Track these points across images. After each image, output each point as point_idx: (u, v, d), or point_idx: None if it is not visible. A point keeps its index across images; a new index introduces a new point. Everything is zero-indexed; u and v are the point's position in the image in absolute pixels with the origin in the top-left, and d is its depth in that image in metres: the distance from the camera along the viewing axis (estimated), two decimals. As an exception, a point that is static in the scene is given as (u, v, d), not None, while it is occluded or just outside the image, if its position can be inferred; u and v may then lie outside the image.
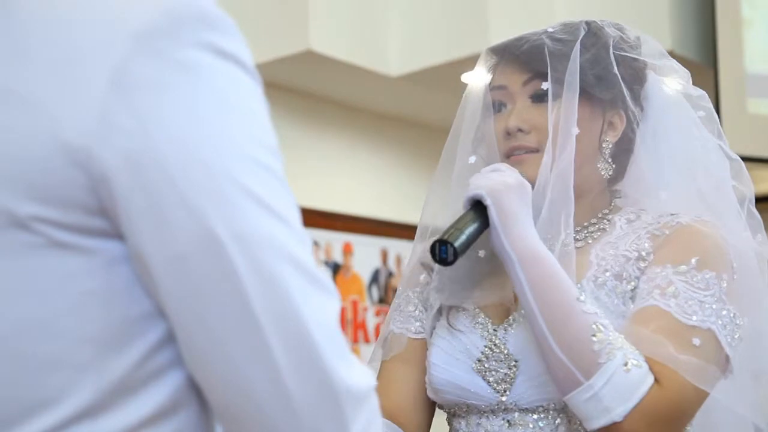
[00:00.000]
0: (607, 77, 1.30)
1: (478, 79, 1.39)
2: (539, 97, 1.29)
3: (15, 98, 0.68)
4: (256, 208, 0.68)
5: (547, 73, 1.27)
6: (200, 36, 0.69)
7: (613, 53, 1.30)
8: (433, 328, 1.37)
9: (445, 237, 1.19)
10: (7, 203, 0.67)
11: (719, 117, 4.08)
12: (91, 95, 0.66)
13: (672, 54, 3.84)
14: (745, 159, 4.42)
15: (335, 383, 0.70)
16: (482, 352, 1.29)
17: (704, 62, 3.82)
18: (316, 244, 4.15)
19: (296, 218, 0.71)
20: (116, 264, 0.69)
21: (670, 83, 1.37)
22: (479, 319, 1.32)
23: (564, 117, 1.27)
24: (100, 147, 0.66)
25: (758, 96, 3.85)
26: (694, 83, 1.39)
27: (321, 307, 0.70)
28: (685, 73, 1.40)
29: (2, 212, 0.67)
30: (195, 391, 0.72)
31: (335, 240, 4.27)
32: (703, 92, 1.39)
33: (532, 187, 1.25)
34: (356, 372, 0.72)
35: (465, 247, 1.20)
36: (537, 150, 1.28)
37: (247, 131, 0.70)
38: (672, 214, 1.28)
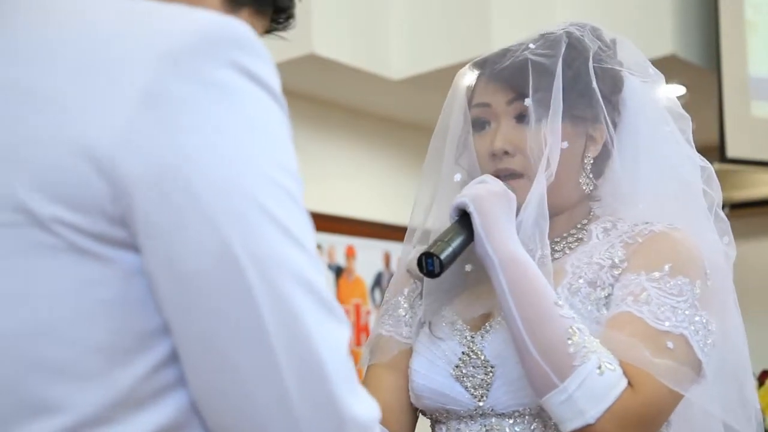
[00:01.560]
0: (587, 93, 1.31)
1: (459, 91, 1.40)
2: (524, 118, 1.30)
3: (39, 99, 0.68)
4: (275, 230, 0.68)
5: (530, 94, 1.28)
6: (232, 57, 0.70)
7: (593, 66, 1.31)
8: (417, 335, 1.39)
9: (431, 250, 1.22)
10: (29, 202, 0.67)
11: (722, 120, 4.09)
12: (121, 108, 0.67)
13: (675, 57, 3.85)
14: (748, 162, 4.38)
15: (342, 411, 0.70)
16: (460, 359, 1.31)
17: (707, 65, 3.81)
18: (318, 247, 4.15)
19: (312, 244, 0.72)
20: (132, 276, 0.69)
21: (646, 87, 1.39)
22: (457, 326, 1.34)
23: (549, 138, 1.28)
24: (126, 159, 0.66)
25: (762, 99, 3.85)
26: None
27: (333, 333, 0.71)
28: (659, 75, 1.41)
29: (23, 210, 0.67)
30: (199, 415, 0.72)
31: (338, 243, 4.27)
32: (673, 92, 1.41)
33: (518, 210, 1.27)
34: (362, 402, 0.72)
35: (451, 259, 1.23)
36: (522, 174, 1.30)
37: (270, 154, 0.70)
38: (646, 223, 1.30)
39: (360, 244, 4.37)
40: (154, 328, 0.70)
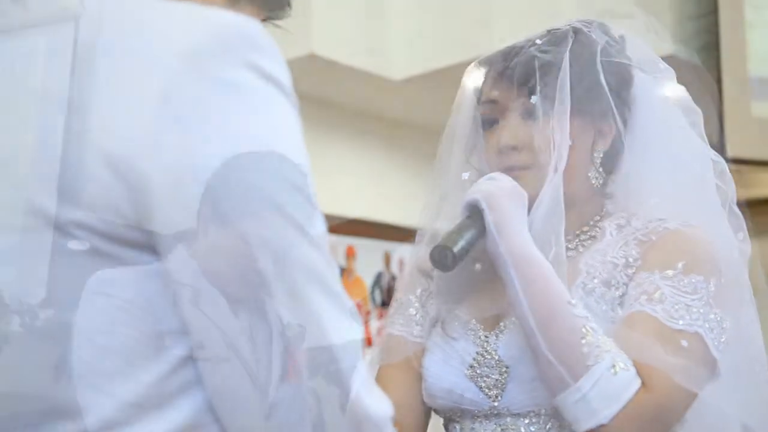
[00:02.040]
0: (595, 88, 1.30)
1: (467, 90, 1.40)
2: (531, 114, 1.30)
3: (51, 102, 0.68)
4: (292, 229, 0.69)
5: (537, 89, 1.28)
6: (246, 57, 0.71)
7: (601, 61, 1.30)
8: (429, 334, 1.38)
9: (444, 243, 1.21)
10: (45, 206, 0.67)
11: (722, 121, 4.09)
12: (138, 110, 0.67)
13: (675, 57, 3.83)
14: (749, 162, 4.39)
15: (357, 408, 0.71)
16: (474, 359, 1.30)
17: (707, 66, 3.81)
18: (319, 247, 4.16)
19: (326, 243, 0.73)
20: (150, 277, 0.69)
21: (656, 83, 1.38)
22: (471, 326, 1.33)
23: (557, 133, 1.27)
24: (143, 160, 0.66)
25: (762, 99, 3.85)
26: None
27: (347, 332, 0.72)
28: (670, 70, 1.40)
29: (40, 214, 0.68)
30: (216, 414, 0.72)
31: (338, 243, 4.27)
32: (684, 88, 1.40)
33: (530, 203, 1.26)
34: (377, 399, 0.73)
35: (464, 252, 1.22)
36: (530, 166, 1.29)
37: (285, 153, 0.71)
38: (660, 219, 1.29)
39: (360, 244, 4.37)
40: (171, 329, 0.70)
